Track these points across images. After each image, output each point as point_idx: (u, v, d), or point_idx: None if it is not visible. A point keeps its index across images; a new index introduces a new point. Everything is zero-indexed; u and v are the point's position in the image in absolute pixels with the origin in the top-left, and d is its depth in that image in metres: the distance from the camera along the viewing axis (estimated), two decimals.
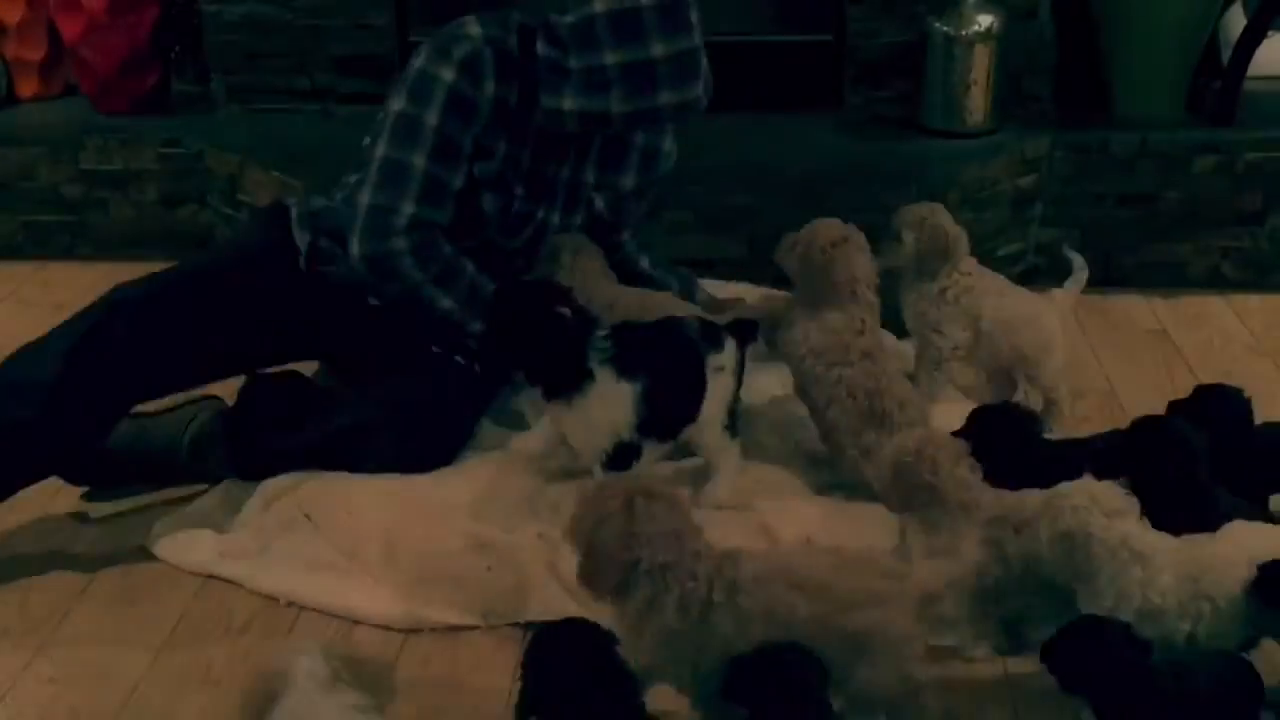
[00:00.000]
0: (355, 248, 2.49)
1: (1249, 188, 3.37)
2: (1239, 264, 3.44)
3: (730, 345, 2.36)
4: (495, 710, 1.97)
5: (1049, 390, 2.64)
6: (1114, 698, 1.70)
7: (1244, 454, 2.20)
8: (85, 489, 2.52)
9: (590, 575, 1.79)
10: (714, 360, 2.33)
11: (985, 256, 3.32)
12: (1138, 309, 3.35)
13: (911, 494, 1.99)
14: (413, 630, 2.16)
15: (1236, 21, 3.55)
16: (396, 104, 2.51)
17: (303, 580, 2.24)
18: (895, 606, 1.75)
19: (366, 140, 2.59)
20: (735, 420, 2.40)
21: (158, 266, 3.32)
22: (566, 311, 2.25)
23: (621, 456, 2.27)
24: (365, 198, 2.50)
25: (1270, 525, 1.97)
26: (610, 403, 2.24)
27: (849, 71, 3.60)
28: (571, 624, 1.80)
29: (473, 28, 2.51)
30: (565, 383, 2.23)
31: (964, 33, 3.34)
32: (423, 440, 2.47)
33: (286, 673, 1.81)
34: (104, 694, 2.03)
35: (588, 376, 2.22)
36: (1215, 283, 3.45)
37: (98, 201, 3.70)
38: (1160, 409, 2.69)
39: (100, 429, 2.38)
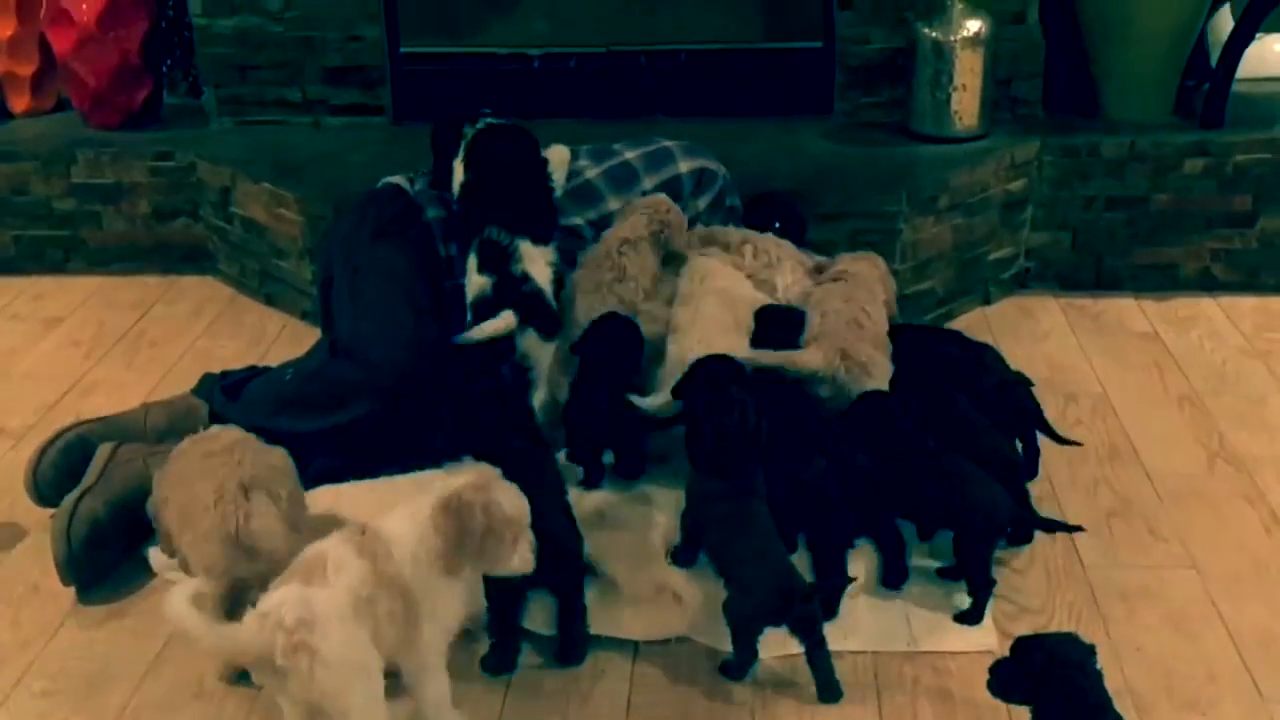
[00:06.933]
0: None
1: (1238, 190, 3.37)
2: (1229, 265, 3.44)
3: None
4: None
5: None
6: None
7: None
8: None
9: None
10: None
11: (976, 261, 3.36)
12: (1129, 311, 3.36)
13: None
14: None
15: (1224, 24, 3.56)
16: None
17: None
18: None
19: None
20: None
21: (151, 280, 3.32)
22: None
23: None
24: None
25: None
26: None
27: (839, 78, 3.61)
28: None
29: None
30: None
31: (953, 38, 3.34)
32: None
33: None
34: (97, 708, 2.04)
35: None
36: (1206, 284, 3.46)
37: (90, 215, 3.69)
38: (1152, 412, 2.74)
39: None
